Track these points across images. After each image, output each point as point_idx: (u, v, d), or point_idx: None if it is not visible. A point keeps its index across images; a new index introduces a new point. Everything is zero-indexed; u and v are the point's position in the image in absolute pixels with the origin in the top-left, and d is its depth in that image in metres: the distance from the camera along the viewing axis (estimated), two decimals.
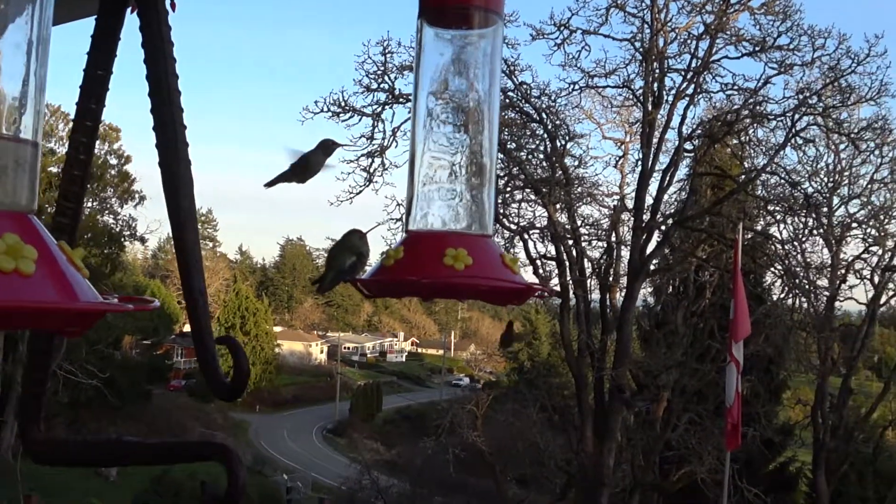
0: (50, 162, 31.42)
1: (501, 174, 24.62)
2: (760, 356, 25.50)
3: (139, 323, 47.30)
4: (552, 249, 25.30)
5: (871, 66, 22.50)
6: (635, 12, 23.73)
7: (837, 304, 28.39)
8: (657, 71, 24.29)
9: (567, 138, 25.21)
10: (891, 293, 29.36)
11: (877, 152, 26.42)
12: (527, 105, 24.68)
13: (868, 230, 27.54)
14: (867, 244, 27.60)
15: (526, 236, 25.37)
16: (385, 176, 23.49)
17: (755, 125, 24.55)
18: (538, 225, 25.40)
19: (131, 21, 1.53)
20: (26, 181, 1.10)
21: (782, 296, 26.00)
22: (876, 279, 28.34)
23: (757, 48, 23.03)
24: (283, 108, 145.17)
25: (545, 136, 24.81)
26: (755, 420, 24.85)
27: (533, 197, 25.00)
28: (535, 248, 25.69)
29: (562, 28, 23.50)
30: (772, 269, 25.93)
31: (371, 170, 23.52)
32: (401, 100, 22.96)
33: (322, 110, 22.98)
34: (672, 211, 26.00)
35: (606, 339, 25.46)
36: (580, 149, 26.12)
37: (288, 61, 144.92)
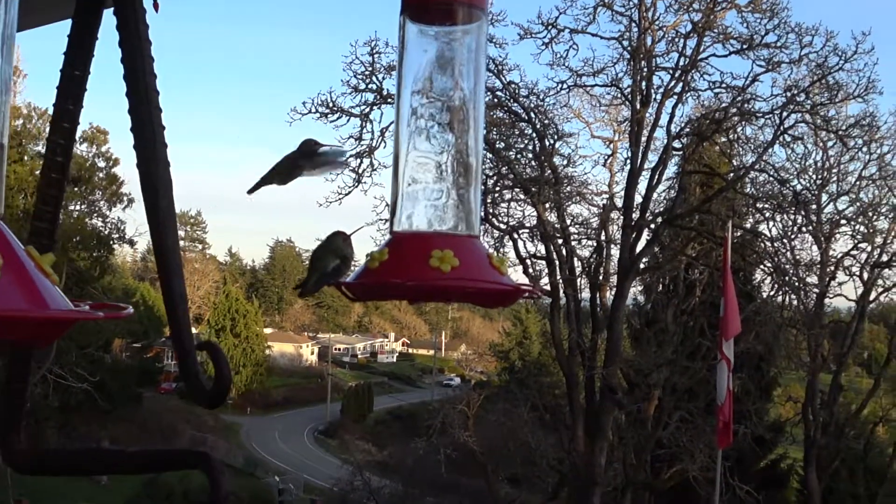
0: (37, 166, 31.28)
1: (490, 174, 24.64)
2: (751, 353, 25.54)
3: (129, 326, 47.18)
4: (542, 249, 25.33)
5: (858, 64, 22.56)
6: (623, 11, 23.78)
7: (827, 300, 28.46)
8: (645, 69, 24.30)
9: (556, 137, 25.24)
10: (880, 289, 29.44)
11: (865, 149, 26.50)
12: (515, 104, 24.68)
13: (857, 227, 27.65)
14: (856, 241, 27.70)
15: (515, 236, 25.40)
16: (374, 176, 23.44)
17: (743, 123, 24.60)
18: (527, 224, 25.43)
19: (112, 20, 1.50)
20: None
21: (772, 293, 26.10)
22: (865, 276, 28.40)
23: (744, 46, 23.06)
24: (273, 109, 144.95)
25: (534, 135, 24.82)
26: (746, 417, 24.87)
27: (522, 196, 25.01)
28: (525, 247, 25.74)
29: (549, 27, 23.51)
30: (761, 266, 25.97)
31: (360, 170, 23.49)
32: (389, 100, 22.90)
33: (310, 111, 22.96)
34: (661, 209, 26.02)
35: (597, 337, 25.47)
36: (569, 148, 26.16)
37: (277, 61, 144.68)
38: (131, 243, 45.84)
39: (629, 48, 24.01)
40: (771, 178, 24.56)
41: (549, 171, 24.58)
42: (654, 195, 25.42)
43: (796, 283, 24.93)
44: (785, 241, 24.75)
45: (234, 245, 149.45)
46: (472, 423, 29.12)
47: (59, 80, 1.51)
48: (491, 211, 24.74)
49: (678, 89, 24.27)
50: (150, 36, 1.47)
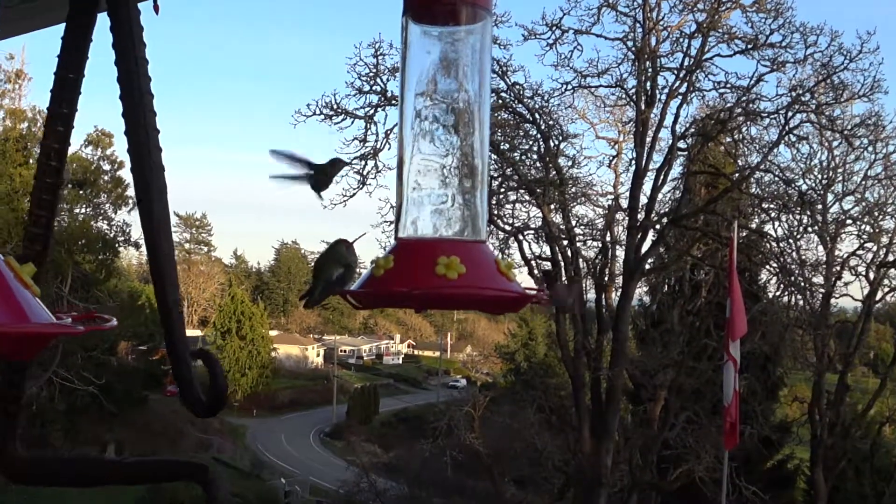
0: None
1: (495, 175, 24.60)
2: (757, 354, 25.51)
3: (135, 328, 47.21)
4: (547, 250, 25.30)
5: (863, 63, 22.47)
6: (627, 11, 23.71)
7: (833, 300, 28.36)
8: (650, 70, 24.26)
9: (560, 138, 25.20)
10: (886, 289, 29.33)
11: (870, 149, 26.39)
12: (520, 105, 24.63)
13: (863, 226, 27.56)
14: (862, 241, 27.62)
15: (521, 237, 25.36)
16: (378, 178, 23.41)
17: (748, 123, 24.53)
18: (533, 226, 25.40)
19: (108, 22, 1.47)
20: None
21: (778, 293, 25.99)
22: (871, 275, 28.30)
23: (749, 46, 22.98)
24: (279, 111, 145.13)
25: (538, 136, 24.78)
26: (752, 418, 24.82)
27: (527, 198, 24.97)
28: (530, 248, 25.70)
29: (554, 28, 23.46)
30: (767, 266, 25.92)
31: (364, 172, 23.48)
32: (393, 102, 22.87)
33: (314, 113, 22.95)
34: (666, 210, 25.98)
35: (603, 338, 25.43)
36: (574, 149, 26.09)
37: (282, 64, 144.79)
38: (137, 246, 45.93)
39: (633, 49, 23.96)
40: (776, 178, 24.51)
41: (554, 172, 24.54)
42: (660, 196, 25.40)
43: (802, 284, 24.86)
44: (791, 241, 24.71)
45: (239, 247, 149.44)
46: (477, 425, 29.08)
47: (53, 84, 1.47)
48: (496, 212, 24.71)
49: (683, 89, 24.22)
50: (146, 38, 1.44)
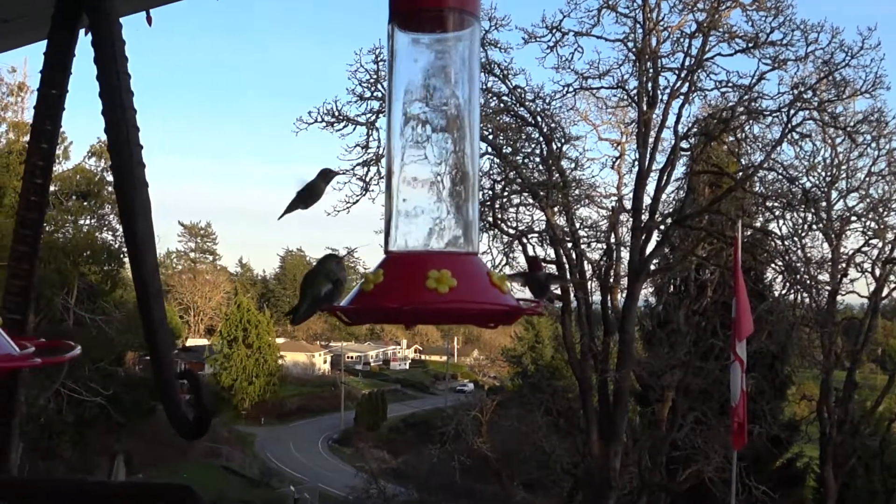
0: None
1: (498, 179, 24.61)
2: (764, 353, 25.46)
3: (141, 339, 47.03)
4: (551, 253, 25.22)
5: (864, 59, 22.44)
6: (627, 12, 23.69)
7: (839, 298, 28.28)
8: (651, 70, 24.23)
9: (563, 141, 25.17)
10: (892, 285, 29.25)
11: (873, 145, 26.30)
12: (521, 109, 24.62)
13: (867, 223, 27.45)
14: (867, 237, 27.52)
15: (525, 240, 25.32)
16: (381, 184, 23.36)
17: (751, 122, 24.48)
18: (537, 228, 25.37)
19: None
20: None
21: (784, 292, 25.96)
22: (877, 272, 28.23)
23: (750, 44, 22.95)
24: (281, 120, 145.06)
25: (541, 139, 24.75)
26: (761, 417, 24.78)
27: (530, 201, 24.93)
28: (535, 251, 25.62)
29: (554, 30, 23.44)
30: (772, 265, 25.86)
31: (367, 179, 23.49)
32: None
33: (316, 120, 22.97)
34: (670, 210, 25.93)
35: (609, 340, 25.39)
36: (576, 151, 26.06)
37: (282, 74, 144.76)
38: None
39: (634, 49, 23.94)
40: (780, 177, 24.49)
41: (557, 175, 24.51)
42: (663, 196, 25.34)
43: (808, 281, 24.82)
44: (795, 239, 24.66)
45: (244, 256, 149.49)
46: (485, 429, 29.06)
47: (37, 101, 1.45)
48: (499, 216, 24.70)
49: (685, 89, 24.19)
50: (128, 52, 1.42)
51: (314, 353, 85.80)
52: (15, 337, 0.98)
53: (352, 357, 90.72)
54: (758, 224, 25.86)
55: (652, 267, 25.50)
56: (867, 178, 27.09)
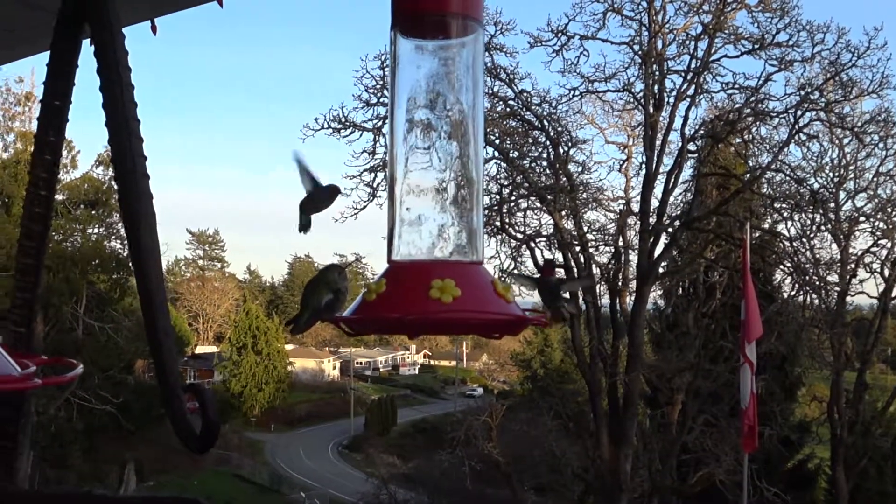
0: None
1: (505, 183, 24.60)
2: (774, 354, 25.41)
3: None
4: (560, 257, 25.19)
5: (871, 59, 22.45)
6: (632, 15, 23.69)
7: (848, 298, 28.19)
8: (657, 73, 24.22)
9: (570, 144, 25.15)
10: None
11: (881, 145, 26.24)
12: (528, 113, 24.62)
13: (876, 223, 27.37)
14: (876, 237, 27.43)
15: (532, 244, 25.32)
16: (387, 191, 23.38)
17: (758, 123, 24.46)
18: (544, 233, 25.33)
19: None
20: None
21: (793, 293, 25.90)
22: (886, 272, 28.13)
23: (756, 46, 22.94)
24: (287, 127, 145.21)
25: (548, 143, 24.75)
26: (771, 419, 24.73)
27: (538, 205, 24.92)
28: (543, 255, 25.61)
29: (560, 34, 23.46)
30: (781, 266, 25.83)
31: (374, 185, 23.51)
32: None
33: (322, 127, 23.01)
34: (678, 213, 25.91)
35: (618, 343, 25.37)
36: (583, 154, 26.02)
37: (288, 81, 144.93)
38: None
39: (640, 52, 23.93)
40: (787, 178, 24.44)
41: (565, 179, 24.49)
42: (671, 199, 25.34)
43: (817, 283, 24.76)
44: (804, 240, 24.60)
45: (252, 262, 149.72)
46: (495, 434, 29.02)
47: (40, 112, 1.45)
48: (507, 221, 24.68)
49: (691, 92, 24.17)
50: (135, 63, 1.41)
51: (323, 359, 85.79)
52: (17, 354, 0.97)
53: (361, 363, 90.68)
54: (766, 226, 25.84)
55: (660, 270, 25.47)
56: (875, 179, 27.04)
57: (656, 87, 24.28)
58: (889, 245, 27.64)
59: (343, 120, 23.14)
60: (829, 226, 25.77)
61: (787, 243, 24.68)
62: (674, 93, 24.32)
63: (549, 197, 24.01)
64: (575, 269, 24.82)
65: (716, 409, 24.92)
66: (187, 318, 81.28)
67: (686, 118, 24.29)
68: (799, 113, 23.14)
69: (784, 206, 24.53)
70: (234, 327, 70.47)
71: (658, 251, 24.73)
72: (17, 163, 37.48)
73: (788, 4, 22.37)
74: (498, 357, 77.74)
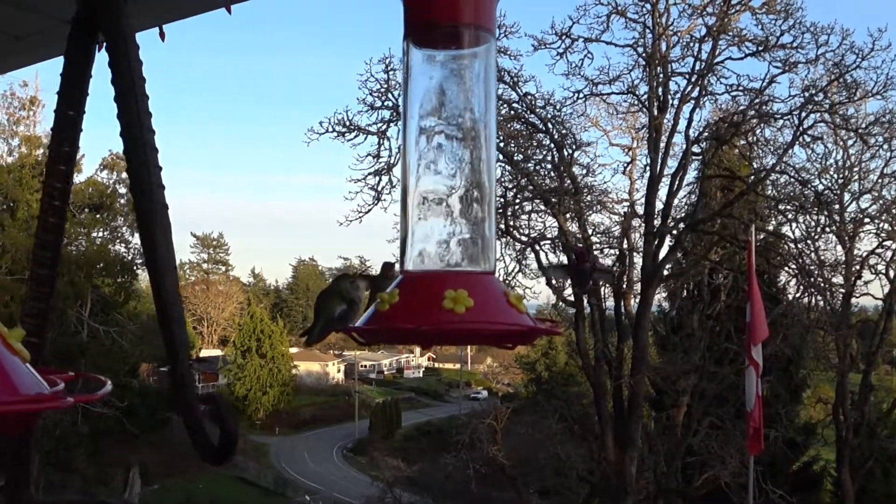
0: None
1: (510, 186, 24.58)
2: (779, 356, 25.36)
3: (155, 350, 47.32)
4: (564, 259, 25.17)
5: (875, 61, 22.43)
6: (636, 18, 23.66)
7: (853, 300, 28.19)
8: (661, 75, 24.20)
9: (574, 147, 25.14)
10: None
11: (886, 147, 26.20)
12: (532, 116, 24.60)
13: (881, 225, 27.33)
14: (881, 239, 27.39)
15: (537, 247, 25.29)
16: (393, 193, 23.42)
17: (762, 125, 24.41)
18: (549, 235, 25.31)
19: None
20: None
21: (798, 295, 25.87)
22: (891, 274, 28.08)
23: (760, 48, 22.92)
24: (291, 131, 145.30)
25: (552, 145, 24.72)
26: (777, 421, 24.70)
27: (542, 207, 24.90)
28: (547, 258, 25.60)
29: (563, 37, 23.44)
30: (786, 268, 25.80)
31: (379, 188, 23.50)
32: None
33: (327, 130, 23.01)
34: (683, 215, 25.86)
35: (623, 346, 25.33)
36: (588, 157, 26.00)
37: (290, 85, 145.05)
38: None
39: (644, 55, 23.90)
40: (792, 180, 24.41)
41: (569, 181, 24.48)
42: (675, 201, 25.27)
43: (822, 284, 24.72)
44: (809, 241, 24.57)
45: (257, 266, 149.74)
46: (500, 437, 28.98)
47: (54, 122, 1.45)
48: (512, 223, 24.66)
49: (695, 94, 24.14)
50: (147, 72, 1.41)
51: (328, 362, 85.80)
52: (41, 370, 0.96)
53: (365, 366, 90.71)
54: (771, 227, 25.81)
55: (665, 272, 25.44)
56: (880, 180, 27.00)
57: (660, 89, 24.26)
58: (894, 246, 27.62)
59: (348, 123, 23.16)
60: (834, 227, 25.77)
61: (792, 245, 24.65)
62: (678, 95, 24.30)
63: (553, 199, 24.00)
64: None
65: (721, 412, 24.89)
66: (192, 321, 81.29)
67: (690, 120, 24.28)
68: (803, 115, 23.12)
69: (789, 207, 24.52)
70: (239, 330, 70.55)
71: (663, 253, 24.71)
72: (21, 167, 37.55)
73: (792, 6, 22.36)
74: (502, 360, 77.73)
